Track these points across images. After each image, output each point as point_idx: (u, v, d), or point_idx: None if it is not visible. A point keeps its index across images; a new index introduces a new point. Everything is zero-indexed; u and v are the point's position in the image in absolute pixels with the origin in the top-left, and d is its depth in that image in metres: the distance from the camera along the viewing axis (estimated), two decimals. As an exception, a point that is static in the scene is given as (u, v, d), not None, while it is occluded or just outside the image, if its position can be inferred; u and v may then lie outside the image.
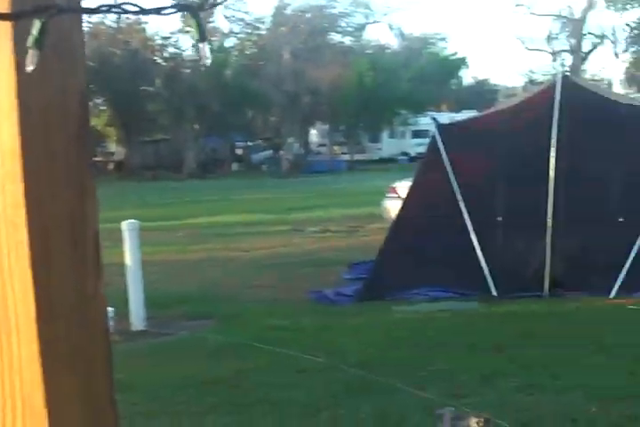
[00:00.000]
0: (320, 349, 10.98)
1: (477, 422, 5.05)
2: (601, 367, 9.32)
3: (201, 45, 1.42)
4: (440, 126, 15.74)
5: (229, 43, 79.05)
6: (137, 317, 13.03)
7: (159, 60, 73.31)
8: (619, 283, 13.68)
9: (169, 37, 73.65)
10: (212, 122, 74.89)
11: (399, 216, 15.10)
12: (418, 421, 7.75)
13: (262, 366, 10.24)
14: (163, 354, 11.19)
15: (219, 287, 16.84)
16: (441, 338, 11.21)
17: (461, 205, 14.53)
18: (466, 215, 14.42)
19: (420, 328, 11.90)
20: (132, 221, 13.25)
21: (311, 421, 8.04)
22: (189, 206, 39.37)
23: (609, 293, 13.61)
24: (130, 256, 13.13)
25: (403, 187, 20.57)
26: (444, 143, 15.01)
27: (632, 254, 13.74)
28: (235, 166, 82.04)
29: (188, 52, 71.85)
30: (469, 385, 8.91)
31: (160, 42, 73.93)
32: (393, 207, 20.88)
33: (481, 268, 14.16)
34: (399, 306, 13.69)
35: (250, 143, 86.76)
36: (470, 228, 14.35)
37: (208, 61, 1.51)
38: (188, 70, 71.85)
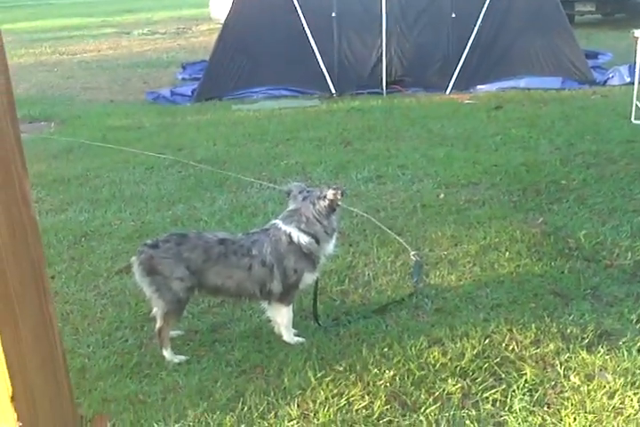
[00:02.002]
0: (165, 146, 10.92)
1: (334, 194, 5.13)
2: (446, 158, 9.62)
3: None
4: None
5: None
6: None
7: None
8: (454, 79, 13.97)
9: None
10: None
11: (230, 15, 14.69)
12: (272, 210, 7.91)
13: (110, 164, 10.11)
14: (4, 155, 10.87)
15: (53, 90, 16.36)
16: (287, 134, 11.28)
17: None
18: (299, 10, 14.18)
19: (265, 125, 11.92)
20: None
21: (167, 213, 8.05)
22: (6, 11, 37.51)
23: (445, 89, 13.91)
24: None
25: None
26: None
27: (466, 51, 13.96)
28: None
29: None
30: (322, 177, 9.06)
31: None
32: (221, 7, 20.41)
33: (319, 65, 14.13)
34: (239, 104, 13.64)
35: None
36: (305, 24, 14.16)
37: None
38: None
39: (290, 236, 5.14)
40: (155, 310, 5.25)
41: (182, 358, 5.21)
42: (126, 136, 11.61)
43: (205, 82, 14.54)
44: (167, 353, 5.19)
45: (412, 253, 6.64)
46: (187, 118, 12.78)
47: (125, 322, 5.75)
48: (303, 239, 5.14)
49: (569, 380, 4.71)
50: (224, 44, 14.52)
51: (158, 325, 5.20)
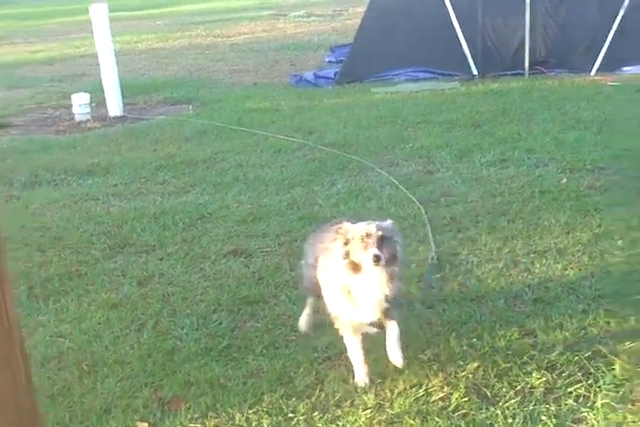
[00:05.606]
0: (298, 129, 10.99)
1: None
2: (576, 142, 9.32)
3: None
4: None
5: None
6: (113, 103, 12.91)
7: None
8: (599, 60, 13.53)
9: None
10: None
11: (375, -3, 14.73)
12: (388, 194, 7.86)
13: (239, 147, 10.24)
14: (141, 138, 11.16)
15: (201, 73, 16.68)
16: (419, 117, 11.16)
17: (439, -18, 14.10)
18: (444, -9, 14.04)
19: (399, 108, 11.83)
20: (100, 4, 12.71)
21: (285, 197, 8.09)
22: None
23: (590, 70, 13.50)
24: (100, 43, 12.80)
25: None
26: None
27: (612, 32, 13.49)
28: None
29: None
30: (445, 161, 8.94)
31: None
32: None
33: (461, 47, 13.93)
34: (379, 87, 13.57)
35: None
36: (449, 5, 13.98)
37: None
38: None
39: None
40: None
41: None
42: (261, 119, 11.73)
43: (348, 64, 14.57)
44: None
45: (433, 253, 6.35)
46: (324, 101, 12.81)
47: (223, 305, 5.78)
48: None
49: (659, 377, 4.51)
50: (367, 27, 14.51)
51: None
